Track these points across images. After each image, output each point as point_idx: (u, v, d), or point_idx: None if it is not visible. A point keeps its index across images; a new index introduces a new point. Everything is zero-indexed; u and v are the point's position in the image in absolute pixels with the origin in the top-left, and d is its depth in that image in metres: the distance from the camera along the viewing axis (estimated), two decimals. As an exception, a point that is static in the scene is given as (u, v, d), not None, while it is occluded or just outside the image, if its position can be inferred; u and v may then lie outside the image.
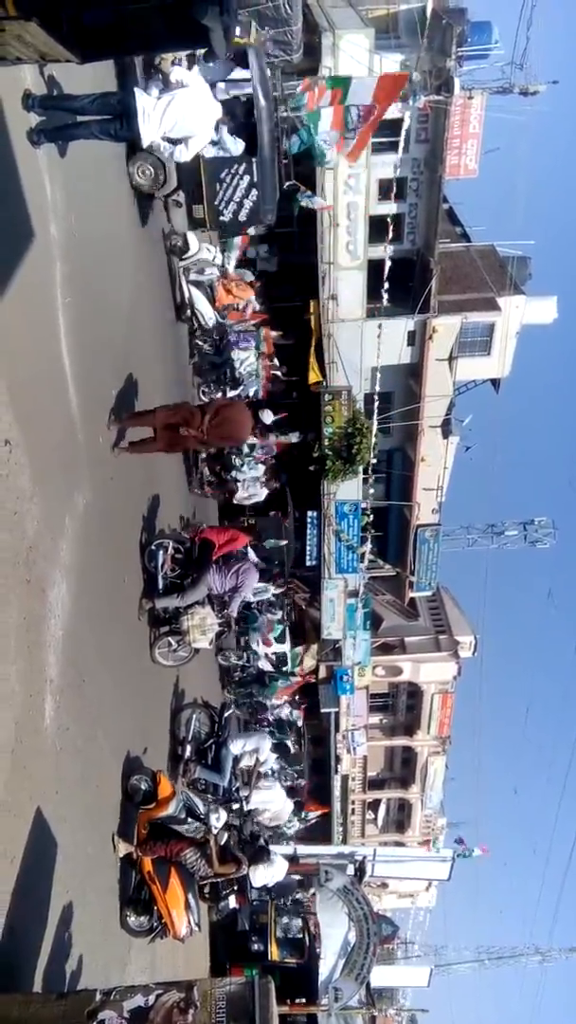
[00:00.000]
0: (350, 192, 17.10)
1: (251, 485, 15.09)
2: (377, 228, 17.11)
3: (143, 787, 7.57)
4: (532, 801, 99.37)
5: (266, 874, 11.71)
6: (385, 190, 17.70)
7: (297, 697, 22.11)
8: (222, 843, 8.37)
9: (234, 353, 12.96)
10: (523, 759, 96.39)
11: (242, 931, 12.84)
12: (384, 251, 16.55)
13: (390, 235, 16.50)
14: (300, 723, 20.84)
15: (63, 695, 5.29)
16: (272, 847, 12.23)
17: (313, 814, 22.41)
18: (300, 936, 13.84)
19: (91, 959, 5.76)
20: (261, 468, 14.84)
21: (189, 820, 8.07)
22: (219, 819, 9.09)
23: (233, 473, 14.16)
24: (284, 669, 17.82)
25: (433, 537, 22.05)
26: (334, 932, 12.10)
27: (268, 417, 15.72)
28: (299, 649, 20.19)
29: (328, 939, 12.01)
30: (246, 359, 13.21)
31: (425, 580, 22.89)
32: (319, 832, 24.53)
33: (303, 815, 21.14)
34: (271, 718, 17.89)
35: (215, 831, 8.62)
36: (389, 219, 16.53)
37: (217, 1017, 4.43)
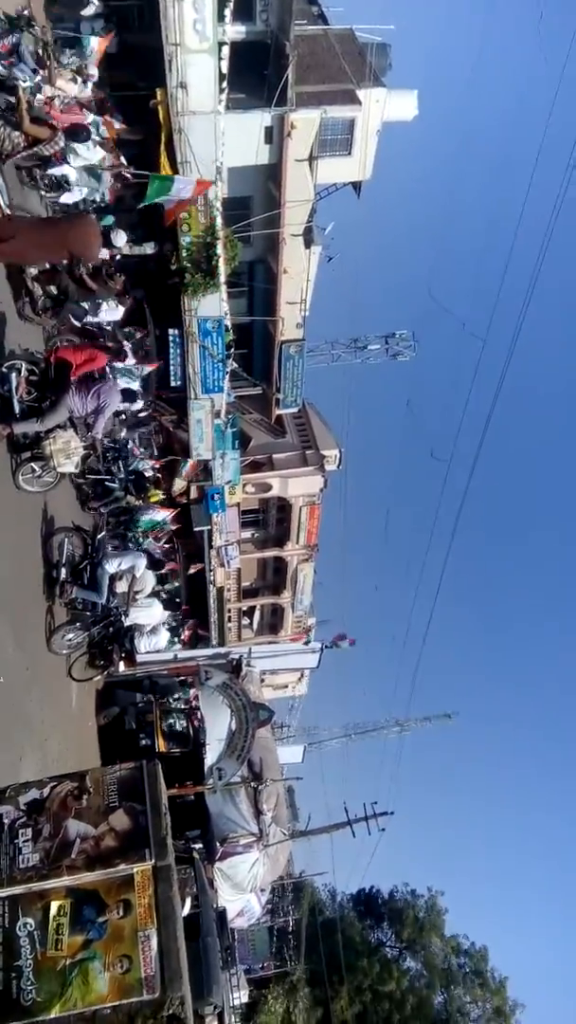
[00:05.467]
0: (194, -43, 15.01)
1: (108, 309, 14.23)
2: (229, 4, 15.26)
3: None
4: (393, 595, 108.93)
5: (141, 614, 12.51)
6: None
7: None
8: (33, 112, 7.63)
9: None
10: (384, 559, 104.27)
11: (129, 730, 13.77)
12: (226, 31, 14.83)
13: (229, 9, 14.68)
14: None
15: None
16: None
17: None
18: (185, 729, 15.05)
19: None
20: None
21: None
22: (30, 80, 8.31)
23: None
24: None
25: (298, 353, 21.94)
26: (217, 722, 13.19)
27: (121, 239, 14.52)
28: None
29: (212, 728, 13.11)
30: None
31: (291, 397, 23.04)
32: (198, 640, 26.04)
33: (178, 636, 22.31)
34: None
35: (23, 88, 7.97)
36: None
37: (110, 799, 4.81)
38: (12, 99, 8.62)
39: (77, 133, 10.80)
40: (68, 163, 10.93)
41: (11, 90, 8.78)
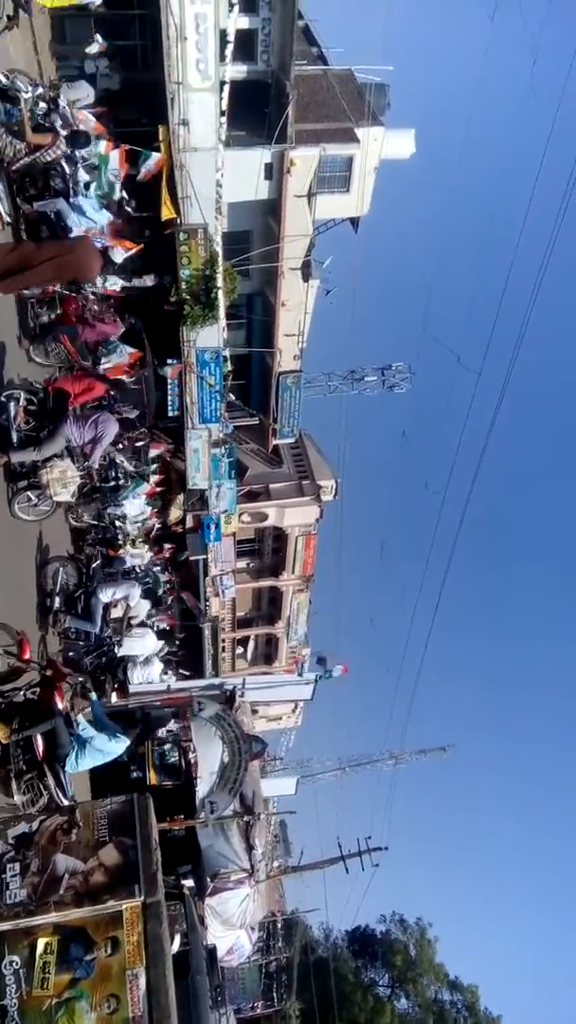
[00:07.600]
0: (198, 1, 15.38)
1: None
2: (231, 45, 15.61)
3: None
4: (387, 627, 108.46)
5: (135, 644, 12.42)
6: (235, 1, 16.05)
7: (165, 547, 22.48)
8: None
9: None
10: (380, 588, 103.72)
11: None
12: (227, 71, 15.15)
13: (230, 50, 14.99)
14: (164, 577, 21.22)
15: None
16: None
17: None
18: (176, 762, 14.87)
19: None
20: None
21: None
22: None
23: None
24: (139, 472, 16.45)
25: (295, 384, 22.11)
26: (209, 754, 13.02)
27: (119, 256, 14.73)
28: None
29: (204, 761, 12.94)
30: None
31: (288, 427, 23.17)
32: (192, 670, 25.85)
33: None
34: (134, 567, 17.76)
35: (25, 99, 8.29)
36: (230, 36, 14.96)
37: (100, 833, 4.75)
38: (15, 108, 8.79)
39: (77, 138, 10.92)
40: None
41: (13, 100, 8.93)
